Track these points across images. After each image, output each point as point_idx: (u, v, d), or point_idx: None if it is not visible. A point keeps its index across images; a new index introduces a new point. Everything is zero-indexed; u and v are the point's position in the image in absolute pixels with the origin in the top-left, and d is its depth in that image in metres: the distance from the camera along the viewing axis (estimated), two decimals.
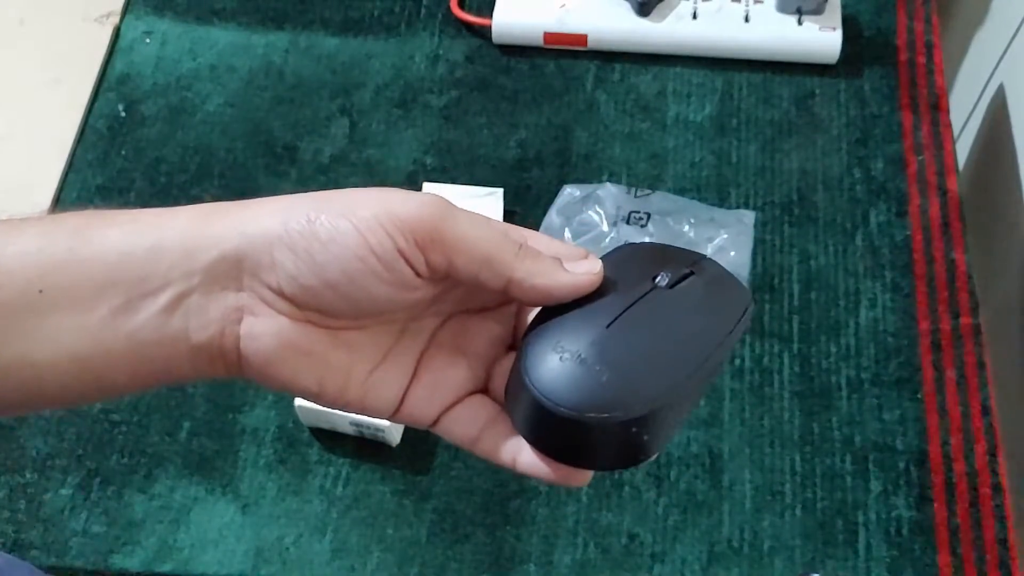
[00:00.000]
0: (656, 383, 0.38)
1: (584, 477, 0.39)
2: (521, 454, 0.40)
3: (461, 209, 0.38)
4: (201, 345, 0.38)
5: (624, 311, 0.39)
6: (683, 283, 0.40)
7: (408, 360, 0.41)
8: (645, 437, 0.37)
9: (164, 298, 0.37)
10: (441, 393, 0.41)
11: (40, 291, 0.37)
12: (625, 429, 0.37)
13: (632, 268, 0.41)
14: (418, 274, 0.38)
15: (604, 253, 0.42)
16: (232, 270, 0.37)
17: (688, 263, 0.41)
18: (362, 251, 0.36)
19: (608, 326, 0.38)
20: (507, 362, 0.41)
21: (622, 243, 0.43)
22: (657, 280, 0.40)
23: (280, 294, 0.37)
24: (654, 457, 0.39)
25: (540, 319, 0.40)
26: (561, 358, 0.38)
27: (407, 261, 0.37)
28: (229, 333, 0.38)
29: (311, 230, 0.37)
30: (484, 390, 0.42)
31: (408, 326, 0.41)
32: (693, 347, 0.39)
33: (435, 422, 0.42)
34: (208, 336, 0.38)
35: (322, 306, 0.38)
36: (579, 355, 0.38)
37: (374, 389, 0.40)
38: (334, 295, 0.37)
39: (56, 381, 0.37)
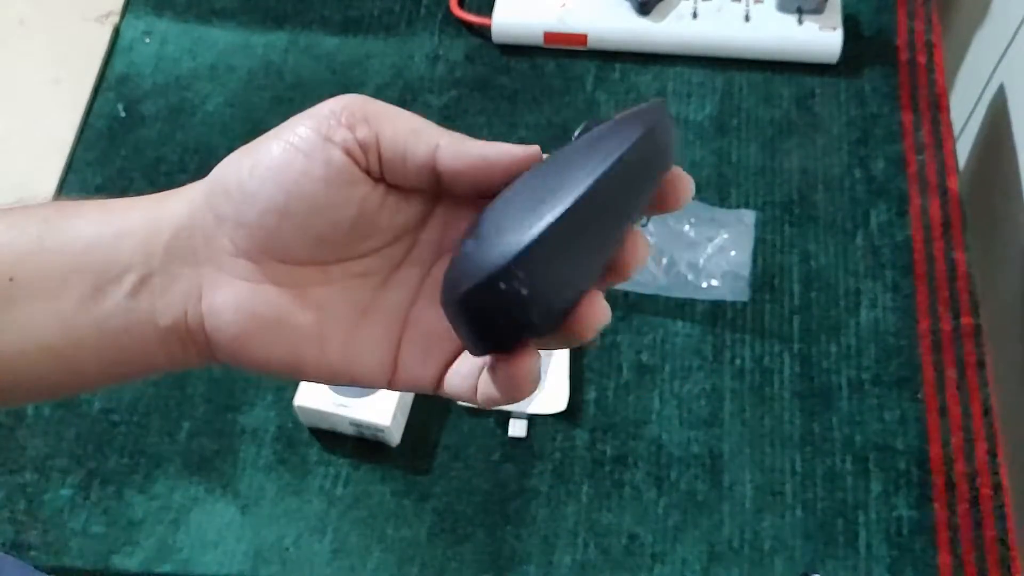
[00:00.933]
0: (519, 233, 0.34)
1: (521, 369, 0.36)
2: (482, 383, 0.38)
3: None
4: (168, 328, 0.38)
5: (513, 182, 0.37)
6: (589, 132, 0.36)
7: (393, 317, 0.39)
8: (524, 291, 0.34)
9: (128, 282, 0.37)
10: (437, 348, 0.39)
11: (11, 279, 0.37)
12: (493, 287, 0.34)
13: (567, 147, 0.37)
14: (349, 154, 0.36)
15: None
16: (188, 243, 0.37)
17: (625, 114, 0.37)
18: (287, 155, 0.36)
19: (490, 201, 0.36)
20: None
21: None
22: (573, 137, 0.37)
23: (235, 254, 0.37)
24: (556, 320, 0.35)
25: None
26: (459, 244, 0.36)
27: (333, 142, 0.36)
28: (192, 313, 0.37)
29: (238, 165, 0.37)
30: None
31: (389, 279, 0.39)
32: (571, 183, 0.35)
33: (438, 384, 0.39)
34: (173, 318, 0.37)
35: (274, 244, 0.37)
36: (462, 241, 0.36)
37: (358, 354, 0.38)
38: (279, 220, 0.36)
39: (28, 371, 0.38)
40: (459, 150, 0.37)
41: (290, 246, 0.37)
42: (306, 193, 0.36)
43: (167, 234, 0.37)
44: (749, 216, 0.81)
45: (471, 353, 0.37)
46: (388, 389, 0.39)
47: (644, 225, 0.79)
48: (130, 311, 0.37)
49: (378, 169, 0.37)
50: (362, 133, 0.36)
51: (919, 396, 0.75)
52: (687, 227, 0.80)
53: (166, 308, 0.37)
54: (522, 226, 0.34)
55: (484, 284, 0.34)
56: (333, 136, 0.36)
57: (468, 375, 0.38)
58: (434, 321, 0.39)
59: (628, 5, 0.91)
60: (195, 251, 0.37)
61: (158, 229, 0.37)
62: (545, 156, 0.38)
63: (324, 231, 0.37)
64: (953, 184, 0.84)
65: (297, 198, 0.36)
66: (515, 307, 0.34)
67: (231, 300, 0.37)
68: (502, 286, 0.34)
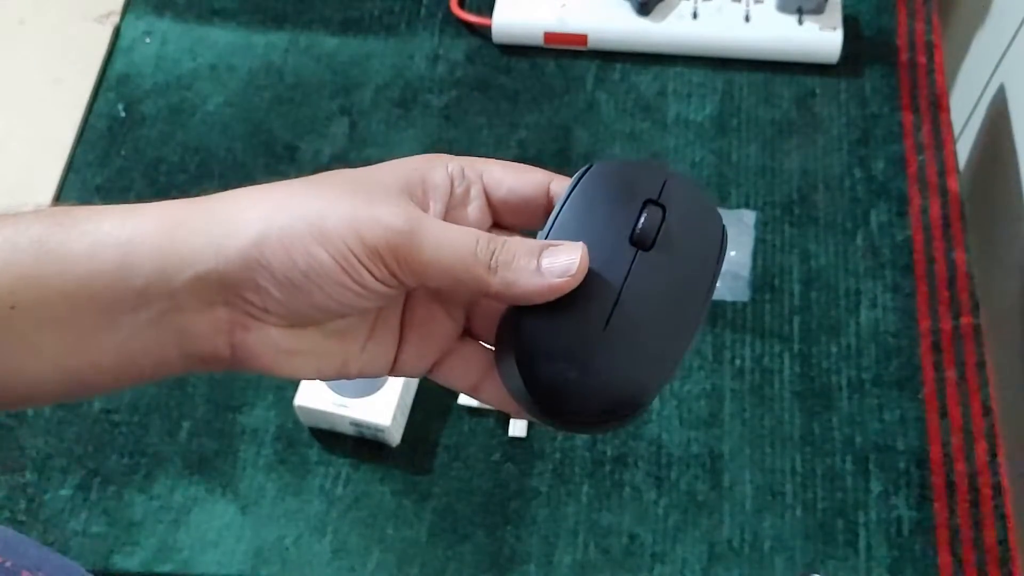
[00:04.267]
0: (655, 377, 0.38)
1: None
2: (523, 411, 0.41)
3: (429, 225, 0.38)
4: (192, 353, 0.38)
5: (616, 304, 0.38)
6: (660, 233, 0.39)
7: (393, 323, 0.42)
8: (640, 414, 0.39)
9: (146, 315, 0.37)
10: (429, 347, 0.42)
11: (12, 307, 0.36)
12: (626, 418, 0.39)
13: (606, 217, 0.40)
14: (393, 287, 0.38)
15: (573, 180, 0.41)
16: (214, 287, 0.37)
17: (656, 192, 0.40)
18: (341, 278, 0.37)
19: (606, 326, 0.38)
20: (484, 301, 0.42)
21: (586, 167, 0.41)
22: (636, 234, 0.39)
23: (266, 310, 0.38)
24: None
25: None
26: (560, 368, 0.38)
27: (383, 283, 0.38)
28: (221, 344, 0.38)
29: (290, 261, 0.36)
30: (468, 330, 0.43)
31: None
32: (685, 322, 0.39)
33: (430, 371, 0.43)
34: (199, 347, 0.38)
35: (308, 319, 0.38)
36: (580, 365, 0.38)
37: (370, 361, 0.41)
38: (319, 313, 0.38)
39: (41, 388, 0.38)
40: (509, 297, 0.38)
41: (321, 320, 0.39)
42: (352, 304, 0.38)
43: (185, 276, 0.36)
44: (749, 216, 0.81)
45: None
46: (389, 376, 0.43)
47: None
48: (151, 339, 0.37)
49: (417, 285, 0.39)
50: (408, 281, 0.38)
51: (919, 396, 0.75)
52: None
53: (191, 339, 0.37)
54: (654, 374, 0.38)
55: (619, 422, 0.39)
56: (384, 280, 0.37)
57: (465, 374, 0.42)
58: (422, 323, 0.42)
59: (628, 5, 0.91)
60: (222, 294, 0.37)
61: (172, 267, 0.37)
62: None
63: (355, 314, 0.39)
64: (953, 184, 0.84)
65: (343, 305, 0.38)
66: (626, 424, 0.40)
67: (263, 339, 0.38)
68: (632, 420, 0.39)
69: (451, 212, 0.40)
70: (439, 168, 0.40)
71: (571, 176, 0.41)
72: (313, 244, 0.36)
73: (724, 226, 0.41)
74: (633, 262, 0.39)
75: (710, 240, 0.40)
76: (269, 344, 0.38)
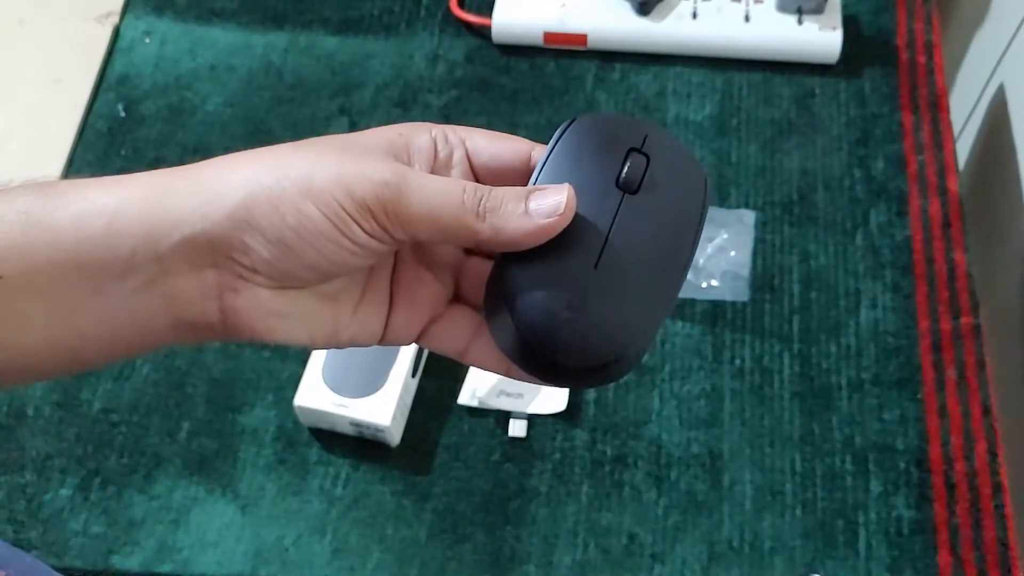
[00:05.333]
0: (648, 320, 0.38)
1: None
2: (512, 368, 0.41)
3: (416, 177, 0.38)
4: (181, 320, 0.38)
5: (605, 243, 0.38)
6: (646, 178, 0.40)
7: (383, 288, 0.42)
8: (631, 363, 0.40)
9: (133, 282, 0.37)
10: (419, 312, 0.42)
11: (0, 278, 0.36)
12: (617, 364, 0.39)
13: (591, 164, 0.40)
14: (384, 242, 0.38)
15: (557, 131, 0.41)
16: (202, 250, 0.37)
17: (639, 143, 0.40)
18: (332, 234, 0.37)
19: (596, 265, 0.38)
20: (471, 264, 0.42)
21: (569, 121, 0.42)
22: (622, 179, 0.39)
23: (255, 271, 0.37)
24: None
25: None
26: (553, 308, 0.38)
27: (374, 238, 0.38)
28: (211, 308, 0.38)
29: (280, 219, 0.36)
30: (457, 294, 0.43)
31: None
32: (673, 264, 0.39)
33: (419, 337, 0.43)
34: (189, 312, 0.38)
35: (298, 280, 0.38)
36: (573, 303, 0.38)
37: (361, 327, 0.41)
38: (310, 272, 0.38)
39: (30, 360, 0.37)
40: (498, 244, 0.38)
41: (312, 280, 0.39)
42: (344, 261, 0.38)
43: (172, 240, 0.37)
44: (749, 216, 0.81)
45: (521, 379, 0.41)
46: (378, 344, 0.42)
47: None
48: (138, 306, 0.37)
49: (410, 243, 0.39)
50: (398, 234, 0.38)
51: (919, 396, 0.75)
52: None
53: (180, 305, 0.37)
54: (646, 317, 0.38)
55: (613, 363, 0.38)
56: (374, 235, 0.37)
57: (453, 338, 0.42)
58: (411, 287, 0.42)
59: (628, 5, 0.91)
60: (210, 257, 0.37)
61: (159, 232, 0.37)
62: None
63: (345, 273, 0.39)
64: (953, 184, 0.84)
65: (334, 264, 0.38)
66: (613, 373, 0.39)
67: (254, 301, 0.38)
68: (622, 364, 0.39)
69: (435, 174, 0.40)
70: (423, 133, 0.41)
71: None
72: (302, 201, 0.36)
73: (707, 176, 0.41)
74: (620, 204, 0.39)
75: (694, 186, 0.40)
76: (259, 307, 0.38)
